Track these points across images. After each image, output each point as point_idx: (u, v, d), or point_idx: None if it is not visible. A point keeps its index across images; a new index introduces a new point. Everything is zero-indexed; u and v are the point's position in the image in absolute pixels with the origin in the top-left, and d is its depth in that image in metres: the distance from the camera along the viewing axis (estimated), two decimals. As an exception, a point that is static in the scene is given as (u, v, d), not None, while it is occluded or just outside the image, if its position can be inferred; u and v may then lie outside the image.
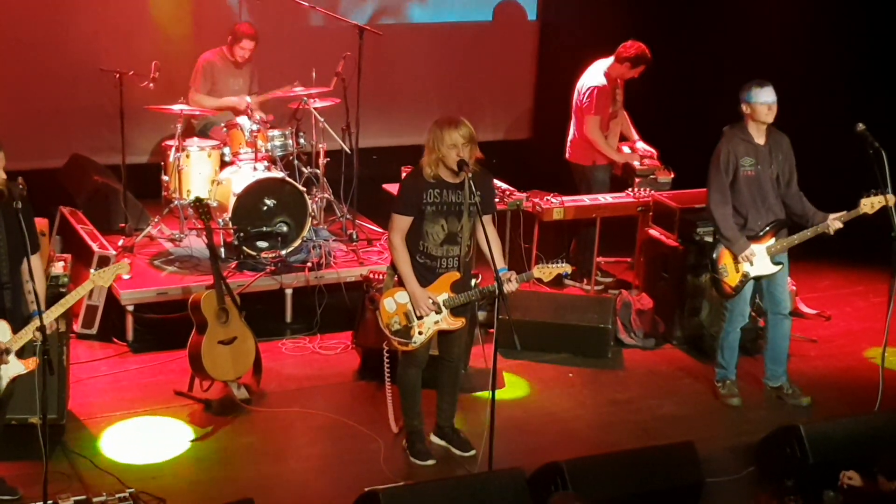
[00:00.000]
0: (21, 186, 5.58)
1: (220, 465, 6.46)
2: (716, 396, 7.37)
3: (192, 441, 6.67)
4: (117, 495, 5.84)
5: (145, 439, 6.68)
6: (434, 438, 6.68)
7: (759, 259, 7.05)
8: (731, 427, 7.05)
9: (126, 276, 7.80)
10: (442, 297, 6.27)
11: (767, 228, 7.05)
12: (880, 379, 7.09)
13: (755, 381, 7.59)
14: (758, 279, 7.13)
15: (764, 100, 6.90)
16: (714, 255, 7.15)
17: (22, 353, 5.66)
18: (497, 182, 8.00)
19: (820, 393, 7.47)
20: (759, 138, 7.00)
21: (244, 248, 8.23)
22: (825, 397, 7.44)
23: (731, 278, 7.10)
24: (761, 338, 8.12)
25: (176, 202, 8.56)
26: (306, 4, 9.57)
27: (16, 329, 5.63)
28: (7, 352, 5.58)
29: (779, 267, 7.09)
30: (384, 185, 8.90)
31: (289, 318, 8.25)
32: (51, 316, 5.63)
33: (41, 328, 5.44)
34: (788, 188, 7.08)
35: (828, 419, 6.90)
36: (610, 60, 8.80)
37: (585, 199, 8.69)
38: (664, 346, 8.13)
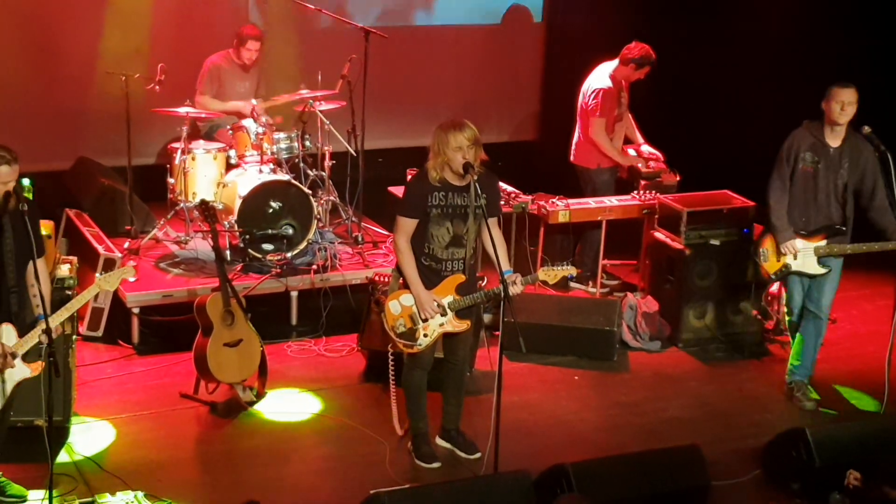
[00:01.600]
0: (27, 189, 5.59)
1: (225, 468, 6.46)
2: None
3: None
4: (122, 497, 5.85)
5: (150, 441, 6.68)
6: (439, 441, 6.68)
7: (804, 256, 7.11)
8: (737, 430, 7.04)
9: (132, 280, 7.81)
10: (447, 300, 6.27)
11: (819, 230, 7.09)
12: (886, 383, 7.09)
13: (761, 384, 7.59)
14: (800, 275, 7.19)
15: (838, 98, 6.88)
16: (758, 239, 7.30)
17: (27, 357, 5.66)
18: (502, 184, 8.00)
19: (826, 396, 7.47)
20: (832, 140, 7.00)
21: (250, 250, 8.24)
22: (831, 400, 7.44)
23: (770, 265, 7.22)
24: (767, 341, 8.15)
25: (181, 204, 8.57)
26: (312, 7, 9.57)
27: (21, 333, 5.63)
28: (13, 355, 5.59)
29: (825, 270, 7.12)
30: (389, 188, 8.90)
31: (294, 321, 8.25)
32: (56, 320, 5.63)
33: (47, 331, 5.45)
34: (872, 201, 7.04)
35: (834, 422, 6.90)
36: (615, 63, 8.80)
37: (591, 202, 8.69)
38: (670, 349, 8.12)
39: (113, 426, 6.80)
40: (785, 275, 7.22)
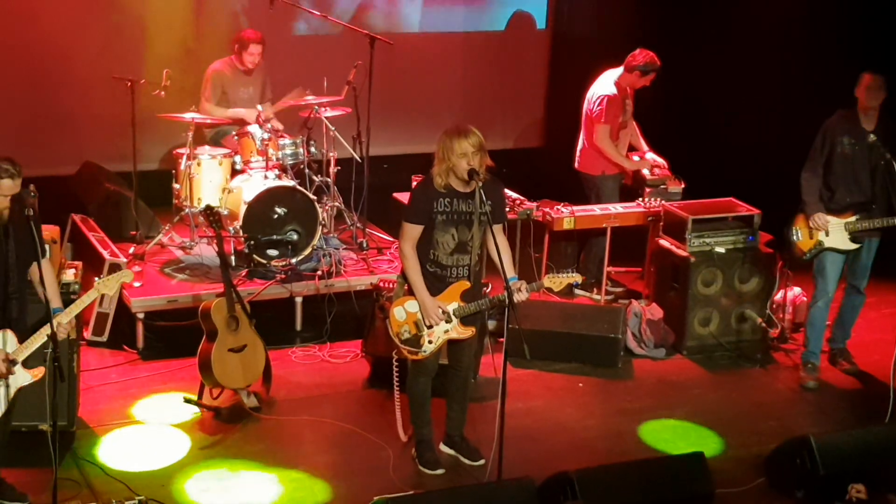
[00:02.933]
0: (33, 194, 5.60)
1: (229, 473, 6.45)
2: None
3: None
4: (127, 502, 5.85)
5: (154, 446, 6.68)
6: (443, 447, 6.68)
7: (835, 232, 7.38)
8: (741, 438, 7.03)
9: (136, 284, 7.82)
10: (452, 306, 6.27)
11: (848, 206, 7.35)
12: (891, 391, 7.08)
13: (766, 392, 7.59)
14: (833, 251, 7.41)
15: (869, 84, 7.27)
16: (792, 219, 7.55)
17: (29, 363, 5.66)
18: (507, 191, 8.00)
19: (831, 404, 7.47)
20: (867, 123, 7.35)
21: (254, 256, 8.25)
22: (836, 408, 7.44)
23: (803, 243, 7.50)
24: (772, 349, 8.14)
25: (187, 210, 8.58)
26: (317, 14, 9.58)
27: (22, 339, 5.63)
28: (13, 362, 5.58)
29: (856, 245, 7.40)
30: (394, 194, 8.91)
31: (299, 327, 8.26)
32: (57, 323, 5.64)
33: (52, 336, 5.45)
34: None
35: (838, 431, 6.88)
36: (620, 70, 8.80)
37: (595, 209, 8.69)
38: (674, 356, 8.11)
39: (117, 431, 6.80)
40: (818, 252, 7.45)
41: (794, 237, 7.54)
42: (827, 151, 7.37)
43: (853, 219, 7.35)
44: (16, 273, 5.61)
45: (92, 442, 6.64)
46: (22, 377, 5.66)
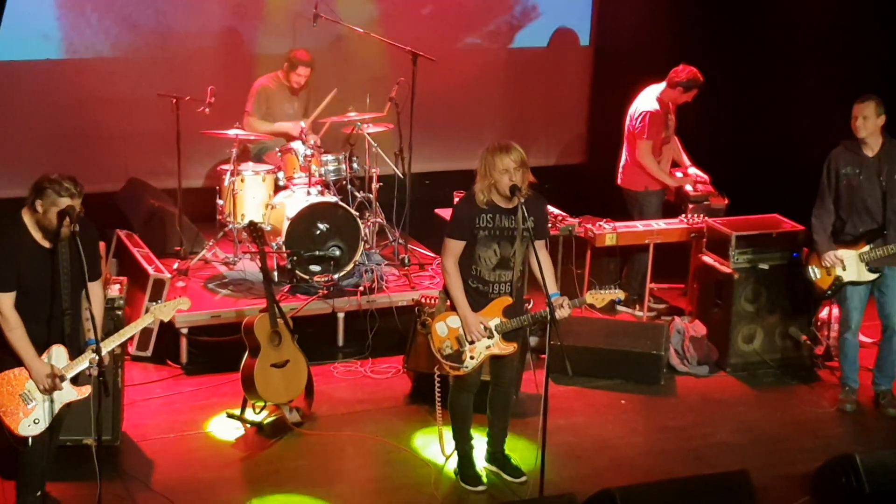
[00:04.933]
0: (78, 210, 5.64)
1: (271, 488, 6.47)
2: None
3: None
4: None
5: (198, 461, 6.71)
6: (485, 464, 6.66)
7: (852, 265, 7.26)
8: (785, 456, 6.97)
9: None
10: (494, 322, 6.26)
11: (861, 236, 7.23)
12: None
13: (811, 410, 7.52)
14: (854, 285, 7.30)
15: (854, 114, 7.17)
16: (807, 258, 7.49)
17: (77, 380, 5.72)
18: (549, 207, 7.99)
19: (875, 422, 7.39)
20: (868, 150, 7.23)
21: (297, 271, 8.28)
22: (881, 427, 7.36)
23: (822, 281, 7.40)
24: (817, 366, 8.06)
25: (230, 226, 8.64)
26: (360, 31, 9.62)
27: (73, 355, 5.70)
28: (62, 378, 5.65)
29: (876, 275, 7.25)
30: (436, 210, 8.92)
31: (341, 342, 8.28)
32: (108, 346, 5.70)
33: (97, 352, 5.51)
34: None
35: (884, 449, 6.80)
36: (662, 85, 8.79)
37: (638, 225, 8.66)
38: (718, 374, 8.06)
39: (161, 445, 6.85)
40: (839, 288, 7.34)
41: (812, 276, 7.43)
42: (834, 184, 7.26)
43: (866, 249, 7.21)
44: (68, 290, 5.66)
45: (136, 456, 6.68)
46: (68, 394, 5.72)
